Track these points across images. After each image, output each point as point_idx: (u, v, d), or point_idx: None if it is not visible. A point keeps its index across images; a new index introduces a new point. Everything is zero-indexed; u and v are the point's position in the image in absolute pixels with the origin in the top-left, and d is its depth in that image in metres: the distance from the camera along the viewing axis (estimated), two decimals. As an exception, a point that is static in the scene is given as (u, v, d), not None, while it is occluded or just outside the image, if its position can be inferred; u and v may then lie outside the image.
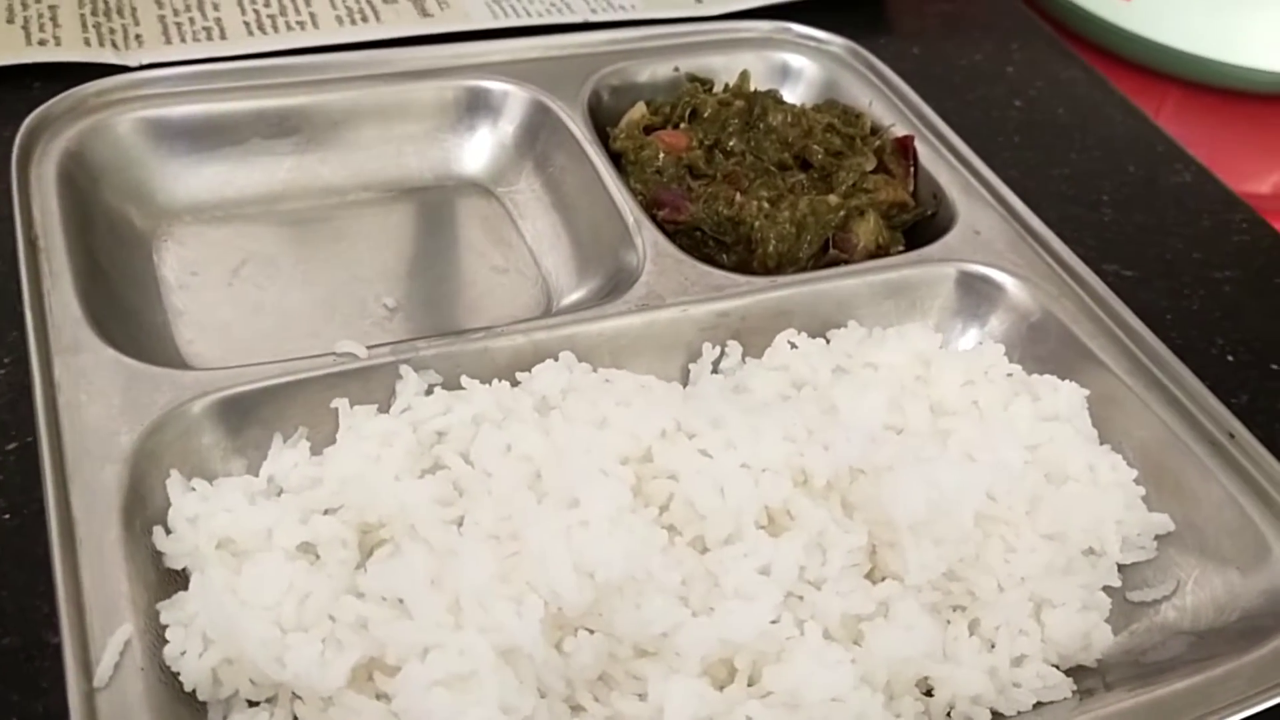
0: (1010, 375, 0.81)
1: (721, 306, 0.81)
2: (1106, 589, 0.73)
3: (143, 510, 0.64)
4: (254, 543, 0.63)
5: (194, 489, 0.64)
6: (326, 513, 0.66)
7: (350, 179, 0.93)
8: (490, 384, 0.73)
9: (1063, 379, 0.81)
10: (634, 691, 0.61)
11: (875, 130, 1.00)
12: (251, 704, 0.59)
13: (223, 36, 1.04)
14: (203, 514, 0.63)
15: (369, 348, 0.73)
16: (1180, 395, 0.79)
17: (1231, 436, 0.76)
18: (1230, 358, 0.92)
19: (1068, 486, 0.73)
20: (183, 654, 0.58)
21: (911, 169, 0.96)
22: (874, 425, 0.70)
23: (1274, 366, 0.92)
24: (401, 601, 0.59)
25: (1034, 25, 1.31)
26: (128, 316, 0.78)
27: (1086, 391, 0.80)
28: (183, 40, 1.03)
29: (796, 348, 0.79)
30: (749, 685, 0.61)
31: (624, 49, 1.03)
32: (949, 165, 0.97)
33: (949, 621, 0.68)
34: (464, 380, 0.72)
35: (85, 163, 0.83)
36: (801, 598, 0.64)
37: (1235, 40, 1.55)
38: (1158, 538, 0.75)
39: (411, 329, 0.83)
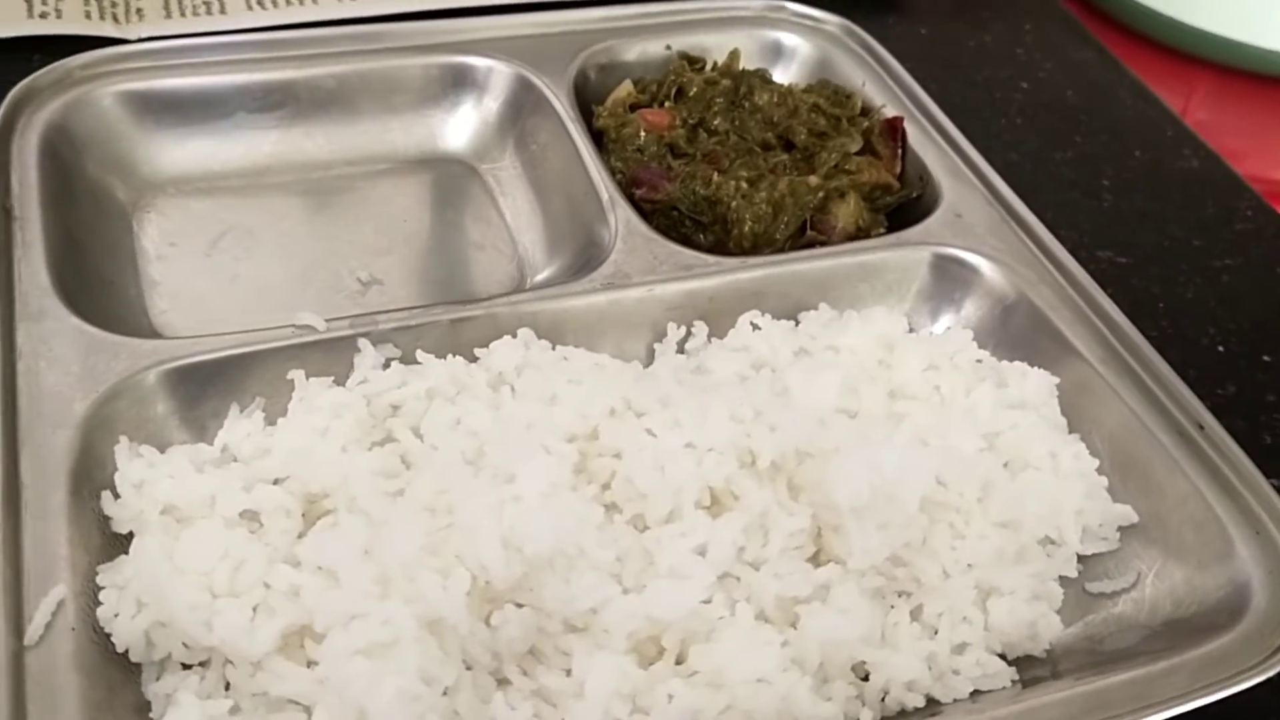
0: (980, 361, 0.80)
1: (689, 286, 0.80)
2: (1063, 579, 0.72)
3: (93, 476, 0.65)
4: (197, 509, 0.64)
5: (141, 455, 0.65)
6: (277, 482, 0.67)
7: (335, 154, 0.94)
8: (446, 359, 0.73)
9: (1035, 365, 0.80)
10: (561, 666, 0.61)
11: (866, 111, 0.99)
12: (186, 666, 0.60)
13: (222, 11, 1.06)
14: (149, 480, 0.64)
15: (328, 320, 0.73)
16: (1152, 385, 0.78)
17: (1201, 428, 0.75)
18: (1221, 348, 0.90)
19: (1026, 474, 0.72)
20: (116, 616, 0.59)
21: (899, 151, 0.95)
22: (825, 408, 0.70)
23: (1266, 358, 0.90)
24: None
25: (1051, 6, 1.28)
26: (101, 286, 0.79)
27: (1056, 379, 0.79)
28: (183, 14, 1.05)
29: (760, 329, 0.78)
30: (677, 664, 0.61)
31: (616, 26, 1.02)
32: (938, 147, 0.95)
33: (893, 607, 0.67)
34: (419, 355, 0.73)
35: (69, 135, 0.85)
36: (739, 578, 0.64)
37: (1269, 24, 1.51)
38: (1121, 529, 0.74)
39: (383, 303, 0.84)
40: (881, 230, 0.90)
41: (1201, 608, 0.69)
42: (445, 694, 0.58)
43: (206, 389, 0.71)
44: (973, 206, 0.90)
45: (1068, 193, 1.03)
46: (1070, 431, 0.78)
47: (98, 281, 0.80)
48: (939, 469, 0.68)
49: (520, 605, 0.61)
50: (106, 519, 0.64)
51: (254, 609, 0.60)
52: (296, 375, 0.71)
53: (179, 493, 0.64)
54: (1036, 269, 0.85)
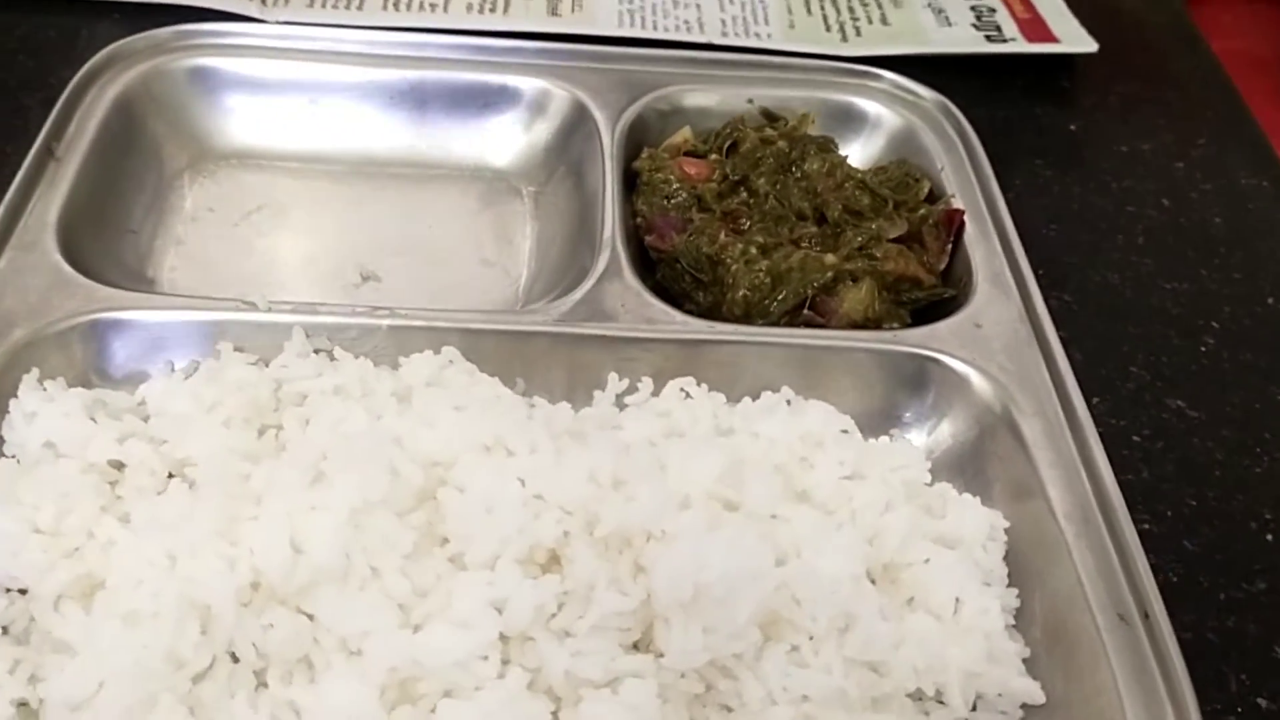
0: (929, 484, 0.72)
1: (643, 342, 0.77)
2: (936, 745, 0.64)
3: (3, 399, 0.70)
4: (72, 449, 0.67)
5: (45, 389, 0.70)
6: (166, 443, 0.69)
7: (393, 153, 0.97)
8: (359, 360, 0.74)
9: (997, 500, 0.72)
10: (327, 683, 0.60)
11: (935, 197, 0.91)
12: (8, 591, 0.64)
13: (360, 8, 1.11)
14: (41, 413, 0.68)
15: (271, 302, 0.76)
16: (1113, 554, 0.67)
17: (1146, 617, 0.64)
18: (1270, 537, 0.77)
19: (915, 618, 0.64)
20: (-50, 528, 0.63)
21: (948, 245, 0.87)
22: (696, 492, 0.65)
23: (1322, 563, 0.76)
24: (149, 534, 0.62)
25: (1242, 124, 1.14)
26: (122, 234, 0.86)
27: (1008, 524, 0.70)
28: (324, 6, 1.11)
29: (690, 398, 0.74)
30: (432, 713, 0.59)
31: (703, 73, 1.00)
32: (992, 251, 0.87)
33: (706, 720, 0.61)
34: (337, 352, 0.74)
35: (146, 95, 0.92)
36: (536, 642, 0.61)
37: None
38: (1026, 707, 0.65)
39: (375, 299, 0.85)
40: (896, 325, 0.83)
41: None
42: (195, 679, 0.58)
43: (144, 344, 0.75)
44: (999, 319, 0.81)
45: (1162, 328, 0.91)
46: (1010, 585, 0.69)
47: (120, 229, 0.86)
48: (795, 586, 0.62)
49: (305, 613, 0.61)
50: (1, 440, 0.69)
51: (73, 552, 0.63)
52: (224, 347, 0.74)
53: (60, 431, 0.68)
54: (1038, 400, 0.76)
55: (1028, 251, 0.89)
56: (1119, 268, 0.96)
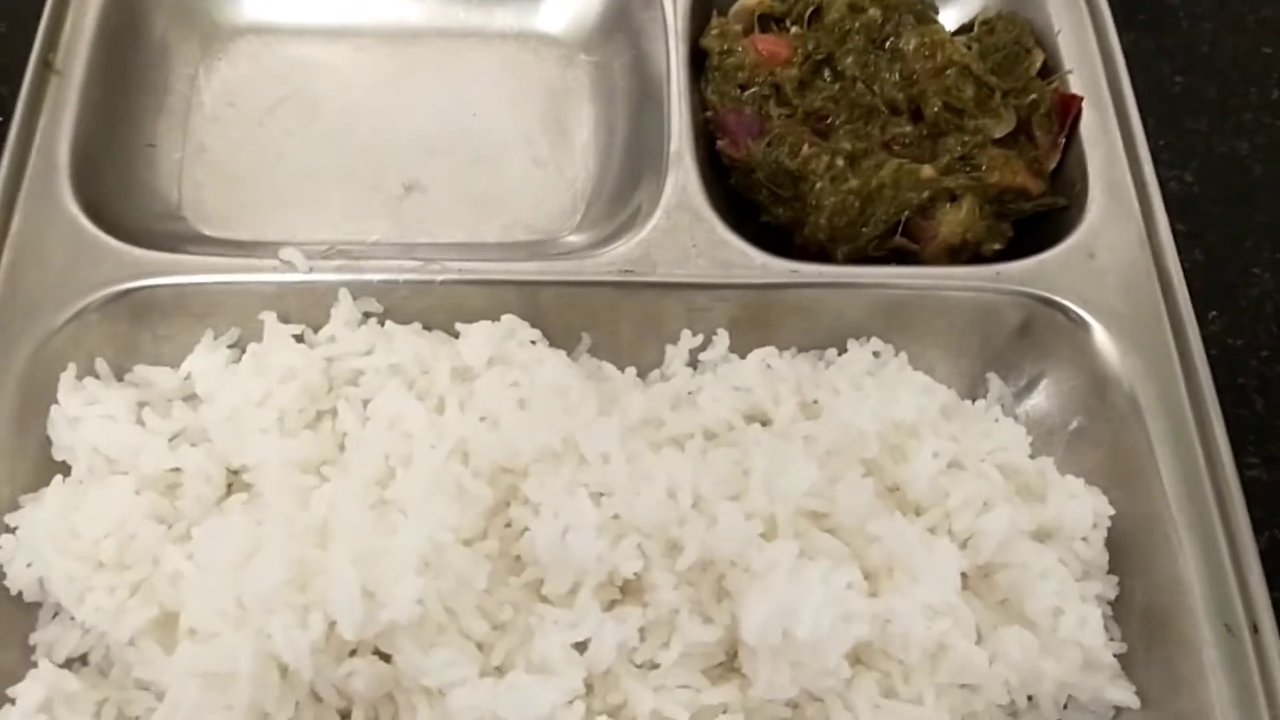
0: (1038, 468, 0.67)
1: (721, 289, 0.70)
2: (1024, 746, 0.63)
3: (46, 393, 0.65)
4: (122, 457, 0.64)
5: (84, 388, 0.65)
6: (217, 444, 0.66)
7: (428, 21, 0.86)
8: (415, 330, 0.68)
9: (1095, 477, 0.67)
10: (410, 722, 0.59)
11: (1046, 73, 0.79)
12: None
13: None
14: (84, 418, 0.64)
15: (310, 260, 0.69)
16: (1225, 556, 0.63)
17: (1255, 631, 0.61)
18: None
19: (1010, 631, 0.61)
20: (12, 560, 0.61)
21: (1061, 140, 0.77)
22: (782, 512, 0.61)
23: None
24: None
25: None
26: (140, 150, 0.78)
27: (1112, 511, 0.66)
28: None
29: (771, 369, 0.68)
30: (519, 764, 0.58)
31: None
32: (1111, 149, 0.76)
33: (792, 748, 0.61)
34: (389, 326, 0.68)
35: (149, -28, 0.81)
36: (620, 678, 0.59)
37: None
38: (1118, 709, 0.63)
39: (419, 215, 0.78)
40: (998, 245, 0.75)
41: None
42: (279, 728, 0.58)
43: (181, 311, 0.69)
44: (1116, 246, 0.73)
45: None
46: (1110, 572, 0.66)
47: (137, 145, 0.78)
48: (887, 616, 0.59)
49: (382, 654, 0.59)
50: (49, 440, 0.66)
51: (139, 586, 0.61)
52: (268, 318, 0.68)
53: (108, 438, 0.64)
54: (1155, 356, 0.69)
55: (1150, 116, 0.78)
56: (1249, 133, 0.85)
